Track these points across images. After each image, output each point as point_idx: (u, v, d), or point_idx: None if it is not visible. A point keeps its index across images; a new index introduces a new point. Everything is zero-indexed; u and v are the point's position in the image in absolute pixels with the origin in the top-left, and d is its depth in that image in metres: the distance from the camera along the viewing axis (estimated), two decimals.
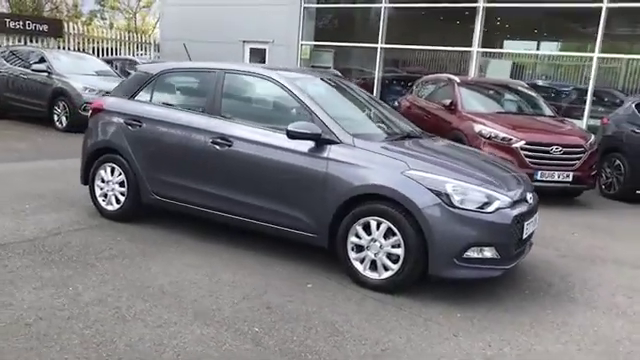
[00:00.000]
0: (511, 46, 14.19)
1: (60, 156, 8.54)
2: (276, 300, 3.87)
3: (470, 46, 12.86)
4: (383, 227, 4.07)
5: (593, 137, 8.23)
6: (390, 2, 14.19)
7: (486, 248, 3.97)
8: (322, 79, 5.51)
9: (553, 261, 5.26)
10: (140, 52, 19.89)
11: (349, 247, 4.23)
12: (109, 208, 5.45)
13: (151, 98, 5.36)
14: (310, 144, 4.38)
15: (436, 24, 15.01)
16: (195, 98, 5.29)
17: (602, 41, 11.42)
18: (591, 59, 11.68)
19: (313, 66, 14.91)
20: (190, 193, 4.93)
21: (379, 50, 14.25)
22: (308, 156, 4.35)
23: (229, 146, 4.67)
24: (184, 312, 3.57)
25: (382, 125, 5.32)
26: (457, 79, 9.52)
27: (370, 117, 5.55)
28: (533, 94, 9.79)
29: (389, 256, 4.08)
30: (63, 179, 6.88)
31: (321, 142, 4.33)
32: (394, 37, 14.25)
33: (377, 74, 14.49)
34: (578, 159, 7.73)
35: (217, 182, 4.77)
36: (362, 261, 4.20)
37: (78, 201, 5.92)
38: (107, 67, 12.79)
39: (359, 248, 4.20)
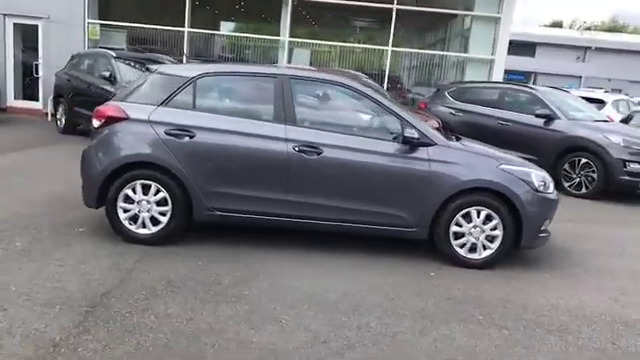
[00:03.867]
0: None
1: None
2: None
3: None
4: (483, 214, 4.80)
5: None
6: None
7: (547, 220, 5.08)
8: (367, 84, 5.65)
9: None
10: None
11: (451, 235, 4.83)
12: (141, 232, 4.76)
13: (194, 105, 4.82)
14: (403, 147, 4.77)
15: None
16: (254, 105, 4.96)
17: (394, 36, 13.50)
18: (386, 51, 13.70)
19: (102, 47, 13.54)
20: (264, 204, 4.75)
21: (186, 34, 13.81)
22: (409, 159, 4.75)
23: (318, 154, 4.68)
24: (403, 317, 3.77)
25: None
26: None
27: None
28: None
29: (487, 238, 4.85)
30: None
31: (421, 145, 4.77)
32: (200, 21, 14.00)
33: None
34: None
35: (304, 190, 4.73)
36: (462, 246, 4.86)
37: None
38: None
39: (459, 235, 4.84)
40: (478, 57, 13.30)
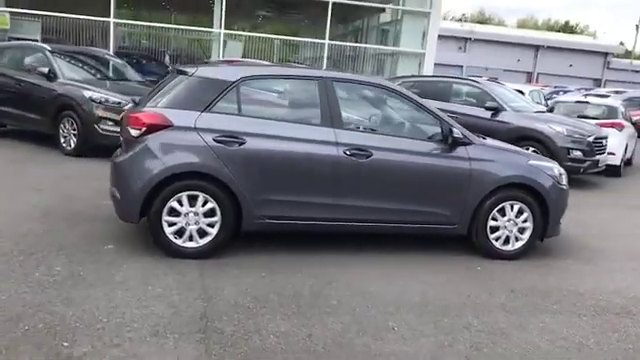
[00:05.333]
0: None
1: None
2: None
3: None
4: (516, 208, 5.10)
5: None
6: None
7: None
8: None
9: None
10: None
11: (488, 229, 5.09)
12: (189, 245, 4.51)
13: (239, 109, 4.61)
14: (445, 147, 4.94)
15: None
16: (300, 108, 4.85)
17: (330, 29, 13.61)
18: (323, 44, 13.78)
19: (15, 38, 12.32)
20: (315, 209, 4.70)
21: (111, 24, 12.89)
22: (452, 158, 4.92)
23: (367, 157, 4.70)
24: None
25: None
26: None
27: None
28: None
29: (518, 230, 5.16)
30: None
31: (463, 144, 4.95)
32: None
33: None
34: None
35: (353, 193, 4.74)
36: (497, 239, 5.13)
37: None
38: None
39: (494, 229, 5.11)
40: (410, 51, 13.79)
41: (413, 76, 12.50)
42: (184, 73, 4.69)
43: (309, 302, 3.87)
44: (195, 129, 4.43)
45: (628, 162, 12.05)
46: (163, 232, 4.43)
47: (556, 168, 5.31)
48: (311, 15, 16.25)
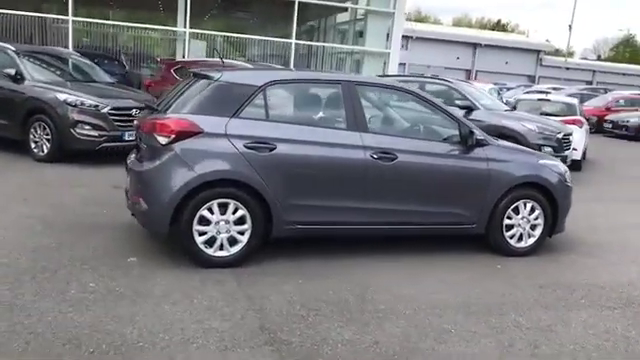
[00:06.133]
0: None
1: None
2: None
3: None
4: (529, 206, 5.28)
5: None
6: None
7: None
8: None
9: None
10: None
11: (504, 228, 5.23)
12: (220, 254, 4.41)
13: (267, 115, 4.53)
14: (463, 148, 5.04)
15: None
16: (326, 113, 4.81)
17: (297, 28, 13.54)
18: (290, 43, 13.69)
19: None
20: (343, 213, 4.70)
21: (70, 24, 12.31)
22: (472, 159, 5.03)
23: (392, 160, 4.74)
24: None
25: None
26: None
27: None
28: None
29: (531, 227, 5.34)
30: None
31: (481, 145, 5.07)
32: None
33: None
34: None
35: (380, 196, 4.76)
36: (512, 237, 5.29)
37: None
38: None
39: (509, 227, 5.26)
40: (375, 50, 13.94)
41: (381, 76, 12.65)
42: (207, 78, 4.56)
43: (358, 308, 3.86)
44: (226, 135, 4.32)
45: (583, 156, 12.67)
46: (194, 242, 4.31)
47: (562, 166, 5.52)
48: (268, 14, 16.16)
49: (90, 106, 8.26)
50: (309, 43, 14.18)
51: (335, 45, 15.00)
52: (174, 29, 12.99)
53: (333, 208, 4.65)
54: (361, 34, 14.53)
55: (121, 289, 3.86)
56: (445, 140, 5.09)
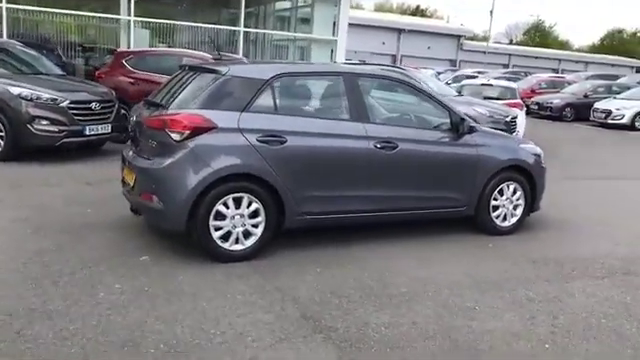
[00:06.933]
0: None
1: None
2: None
3: None
4: (512, 188, 5.64)
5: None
6: None
7: None
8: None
9: None
10: None
11: (491, 208, 5.57)
12: (236, 248, 4.45)
13: (276, 108, 4.58)
14: (455, 135, 5.30)
15: None
16: (330, 104, 4.90)
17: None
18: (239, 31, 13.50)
19: None
20: (350, 202, 4.85)
21: (4, 10, 11.56)
22: (463, 145, 5.30)
23: (394, 148, 4.94)
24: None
25: None
26: None
27: None
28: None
29: (513, 208, 5.72)
30: None
31: (471, 132, 5.35)
32: None
33: None
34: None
35: (383, 184, 4.95)
36: (497, 217, 5.64)
37: None
38: None
39: (495, 208, 5.61)
40: (322, 38, 14.05)
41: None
42: (214, 72, 4.54)
43: (383, 292, 4.03)
44: (239, 130, 4.34)
45: None
46: (211, 237, 4.32)
47: (538, 149, 5.92)
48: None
49: (47, 100, 7.90)
50: (256, 30, 14.07)
51: (284, 33, 14.98)
52: (117, 17, 12.49)
53: (340, 197, 4.78)
54: (306, 21, 14.59)
55: (149, 289, 3.83)
56: (436, 128, 5.33)
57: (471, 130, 5.33)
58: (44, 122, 7.84)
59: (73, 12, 12.91)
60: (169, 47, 12.44)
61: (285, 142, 4.47)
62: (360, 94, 4.88)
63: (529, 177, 5.67)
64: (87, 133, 8.21)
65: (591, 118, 19.69)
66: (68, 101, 7.99)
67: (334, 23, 13.99)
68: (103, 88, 9.03)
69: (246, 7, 16.00)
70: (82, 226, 5.12)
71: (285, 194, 4.50)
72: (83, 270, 4.07)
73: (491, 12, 44.13)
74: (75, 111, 8.05)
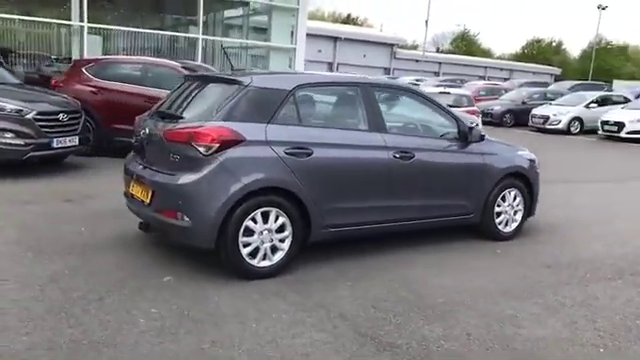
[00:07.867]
0: None
1: None
2: None
3: None
4: (512, 194, 5.79)
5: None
6: None
7: None
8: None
9: None
10: None
11: (495, 215, 5.69)
12: (264, 265, 4.31)
13: (299, 119, 4.47)
14: (463, 144, 5.39)
15: None
16: (350, 115, 4.82)
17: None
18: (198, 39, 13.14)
19: None
20: (371, 213, 4.82)
21: None
22: (471, 154, 5.39)
23: (410, 158, 4.95)
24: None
25: None
26: None
27: None
28: None
29: (514, 213, 5.87)
30: None
31: (479, 141, 5.45)
32: None
33: None
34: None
35: (401, 194, 4.95)
36: (500, 223, 5.77)
37: None
38: None
39: (498, 214, 5.73)
40: (281, 46, 13.94)
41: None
42: (236, 83, 4.37)
43: (422, 303, 4.00)
44: (267, 142, 4.21)
45: None
46: (240, 254, 4.15)
47: (532, 155, 6.10)
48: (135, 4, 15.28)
49: (12, 111, 7.39)
50: (214, 38, 13.78)
51: (244, 41, 14.74)
52: (68, 23, 11.86)
53: (362, 209, 4.73)
54: (260, 30, 14.45)
55: (189, 312, 3.62)
56: (444, 136, 5.38)
57: (481, 138, 5.42)
58: (8, 135, 7.32)
59: (19, 17, 12.16)
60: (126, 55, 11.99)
61: (311, 154, 4.37)
62: (377, 104, 4.86)
63: (527, 183, 5.83)
64: (55, 146, 7.74)
65: (530, 123, 20.64)
66: (35, 112, 7.51)
67: (292, 32, 13.93)
68: (68, 98, 8.53)
69: (196, 14, 15.71)
70: (84, 247, 4.80)
71: (311, 207, 4.39)
72: (110, 295, 3.80)
73: (426, 22, 45.25)
74: (42, 123, 7.58)
